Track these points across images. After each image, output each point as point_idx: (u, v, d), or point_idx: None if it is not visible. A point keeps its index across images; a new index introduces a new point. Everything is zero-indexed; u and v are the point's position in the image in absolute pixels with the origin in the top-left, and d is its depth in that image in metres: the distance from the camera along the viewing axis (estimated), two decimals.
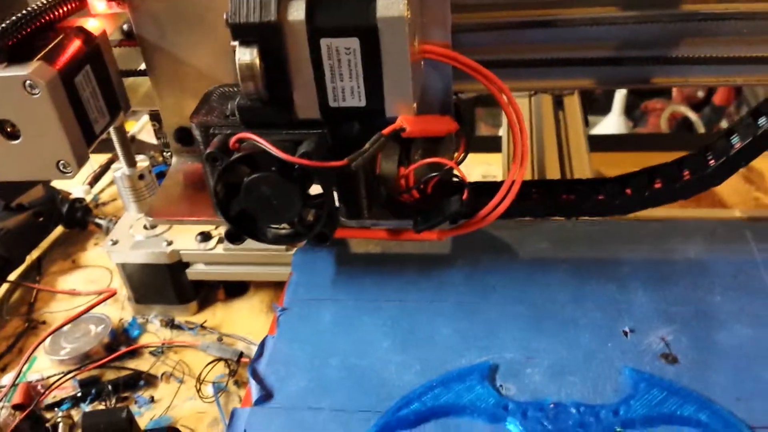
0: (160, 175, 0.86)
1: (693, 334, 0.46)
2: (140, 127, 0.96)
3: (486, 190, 0.51)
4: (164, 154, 0.85)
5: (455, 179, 0.50)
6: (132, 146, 0.69)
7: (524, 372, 0.45)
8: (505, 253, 0.54)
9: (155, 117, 0.77)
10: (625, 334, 0.47)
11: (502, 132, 1.03)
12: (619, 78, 0.54)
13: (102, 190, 1.04)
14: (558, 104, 0.88)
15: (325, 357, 0.48)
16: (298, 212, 0.48)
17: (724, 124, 1.62)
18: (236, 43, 0.44)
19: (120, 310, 0.80)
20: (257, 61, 0.44)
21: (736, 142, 0.46)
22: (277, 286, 0.78)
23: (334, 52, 0.44)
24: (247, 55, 0.44)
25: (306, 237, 0.50)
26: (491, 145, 0.95)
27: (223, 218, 0.50)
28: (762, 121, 0.45)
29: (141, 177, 0.71)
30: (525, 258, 0.54)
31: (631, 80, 0.54)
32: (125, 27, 0.58)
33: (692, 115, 1.62)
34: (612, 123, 1.63)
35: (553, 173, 0.75)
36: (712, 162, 0.47)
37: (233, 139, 0.46)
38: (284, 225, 0.50)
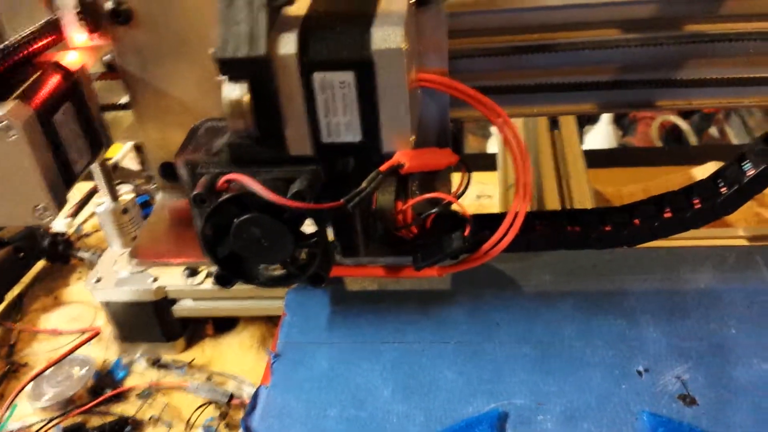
0: (145, 205, 0.84)
1: (709, 371, 0.44)
2: (123, 154, 0.93)
3: (488, 222, 0.49)
4: (149, 186, 0.82)
5: (456, 213, 0.48)
6: (115, 173, 0.67)
7: (535, 419, 0.43)
8: (508, 287, 0.52)
9: (140, 147, 0.75)
10: (640, 374, 0.45)
11: (494, 146, 1.01)
12: (622, 101, 0.52)
13: (85, 221, 1.01)
14: (553, 122, 0.86)
15: (323, 408, 0.45)
16: (290, 253, 0.46)
17: (713, 130, 1.62)
18: (223, 78, 0.42)
19: (104, 350, 0.77)
20: (246, 98, 0.42)
21: (749, 168, 0.44)
22: (269, 319, 0.75)
23: (327, 86, 0.42)
24: (235, 92, 0.42)
25: (300, 279, 0.48)
26: (485, 163, 0.93)
27: (212, 261, 0.47)
28: None
29: (125, 211, 0.69)
30: (528, 292, 0.51)
31: (634, 104, 0.52)
32: (107, 58, 0.55)
33: (682, 123, 1.61)
34: (601, 132, 1.62)
35: (550, 195, 0.73)
36: (723, 190, 0.45)
37: (221, 180, 0.44)
38: (276, 266, 0.48)
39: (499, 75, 0.53)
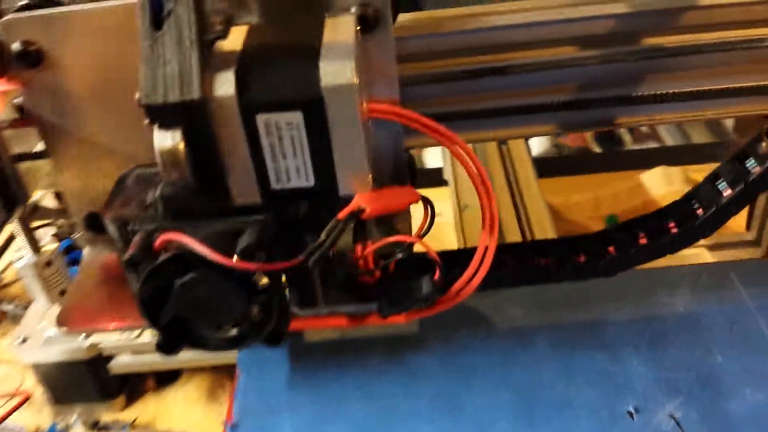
0: (69, 250, 0.77)
1: (702, 406, 0.42)
2: (43, 194, 0.86)
3: (454, 260, 0.45)
4: (73, 237, 0.75)
5: (422, 254, 0.44)
6: (35, 215, 0.61)
7: None
8: (480, 327, 0.48)
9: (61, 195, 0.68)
10: (630, 414, 0.42)
11: (435, 159, 0.98)
12: (582, 122, 0.49)
13: (5, 269, 0.92)
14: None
15: None
16: (242, 312, 0.41)
17: (644, 128, 1.63)
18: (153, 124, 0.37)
19: (36, 414, 0.70)
20: (181, 146, 0.37)
21: (724, 188, 0.42)
22: (215, 368, 0.70)
23: (273, 129, 0.37)
24: (168, 140, 0.37)
25: (255, 339, 0.43)
26: (430, 179, 0.89)
27: (153, 327, 0.42)
28: (750, 163, 0.41)
29: (48, 264, 0.63)
30: (502, 329, 0.48)
31: (594, 123, 0.49)
32: (17, 101, 0.49)
33: None
34: None
35: (505, 213, 0.70)
36: (699, 212, 0.43)
37: (158, 241, 0.39)
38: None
39: (452, 100, 0.49)
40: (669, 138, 1.36)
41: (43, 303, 0.64)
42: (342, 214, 0.39)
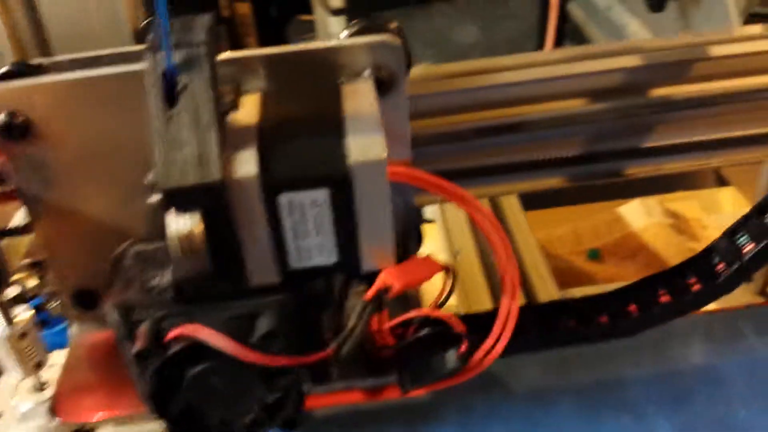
0: (39, 310, 0.72)
1: None
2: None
3: (474, 325, 0.43)
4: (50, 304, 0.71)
5: (443, 324, 0.42)
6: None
7: None
8: (497, 391, 0.47)
9: (37, 264, 0.64)
10: None
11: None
12: (590, 174, 0.49)
13: None
14: None
15: None
16: (260, 400, 0.39)
17: None
18: (162, 207, 0.35)
19: None
20: (199, 230, 0.34)
21: (745, 243, 0.42)
22: None
23: (296, 208, 0.35)
24: (184, 224, 0.34)
25: (271, 425, 0.41)
26: None
27: (162, 420, 0.39)
28: None
29: (23, 336, 0.58)
30: (520, 394, 0.47)
31: (603, 175, 0.49)
32: None
33: None
34: None
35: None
36: (720, 267, 0.42)
37: (170, 335, 0.36)
38: None
39: (462, 158, 0.48)
40: None
41: (15, 376, 0.60)
42: (369, 295, 0.37)
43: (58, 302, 0.60)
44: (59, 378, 0.48)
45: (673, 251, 0.79)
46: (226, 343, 0.34)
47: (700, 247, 0.82)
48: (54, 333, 0.72)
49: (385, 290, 0.37)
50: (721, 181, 0.98)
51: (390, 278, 0.37)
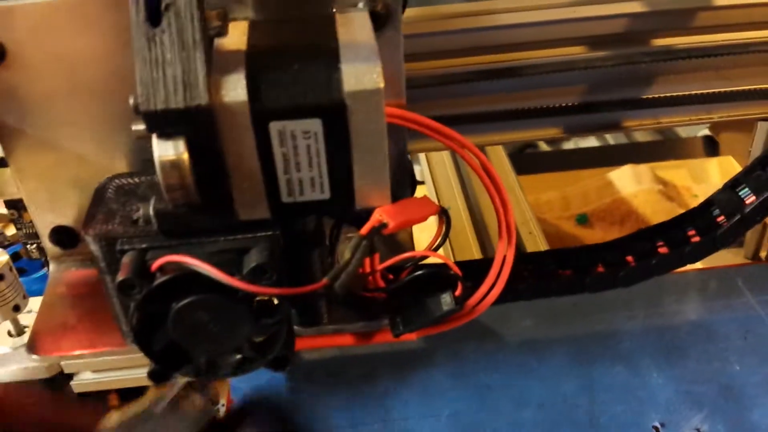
0: (15, 258, 0.71)
1: (728, 419, 0.41)
2: None
3: (469, 272, 0.42)
4: (28, 247, 0.69)
5: (437, 268, 0.41)
6: None
7: None
8: (489, 339, 0.46)
9: (12, 204, 0.62)
10: (656, 430, 0.40)
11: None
12: (588, 125, 0.48)
13: None
14: None
15: None
16: (248, 336, 0.38)
17: None
18: (143, 131, 0.33)
19: None
20: (185, 158, 0.32)
21: (747, 195, 0.41)
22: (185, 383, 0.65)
23: (288, 138, 0.33)
24: (170, 151, 0.32)
25: (259, 365, 0.39)
26: None
27: (145, 355, 0.38)
28: None
29: (1, 278, 0.57)
30: (513, 342, 0.46)
31: (601, 126, 0.48)
32: None
33: None
34: None
35: (489, 214, 0.68)
36: (721, 219, 0.41)
37: (156, 263, 0.34)
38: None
39: (457, 103, 0.47)
40: (611, 136, 1.37)
41: None
42: (365, 230, 0.35)
43: (35, 245, 0.59)
44: (37, 315, 0.46)
45: (662, 217, 0.78)
46: (215, 272, 0.33)
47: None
48: (33, 280, 0.70)
49: (380, 227, 0.35)
50: (711, 152, 0.97)
51: (385, 216, 0.36)
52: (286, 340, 0.39)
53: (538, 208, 0.87)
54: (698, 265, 0.56)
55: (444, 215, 0.41)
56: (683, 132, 1.11)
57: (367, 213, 0.37)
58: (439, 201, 0.74)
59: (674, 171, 0.90)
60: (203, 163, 0.33)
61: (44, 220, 0.46)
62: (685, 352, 0.45)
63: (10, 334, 0.62)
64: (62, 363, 0.61)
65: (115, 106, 0.41)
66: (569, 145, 1.17)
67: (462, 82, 0.45)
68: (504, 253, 0.41)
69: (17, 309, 0.58)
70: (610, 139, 1.16)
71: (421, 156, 0.82)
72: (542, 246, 0.65)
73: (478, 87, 0.45)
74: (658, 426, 0.41)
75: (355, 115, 0.33)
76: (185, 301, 0.35)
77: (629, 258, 0.43)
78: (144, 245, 0.36)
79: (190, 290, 0.35)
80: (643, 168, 0.87)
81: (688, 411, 0.41)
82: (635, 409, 0.42)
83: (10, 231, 0.77)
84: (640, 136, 1.18)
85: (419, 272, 0.39)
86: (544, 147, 1.15)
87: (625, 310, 0.48)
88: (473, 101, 0.46)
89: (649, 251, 0.42)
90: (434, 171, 0.77)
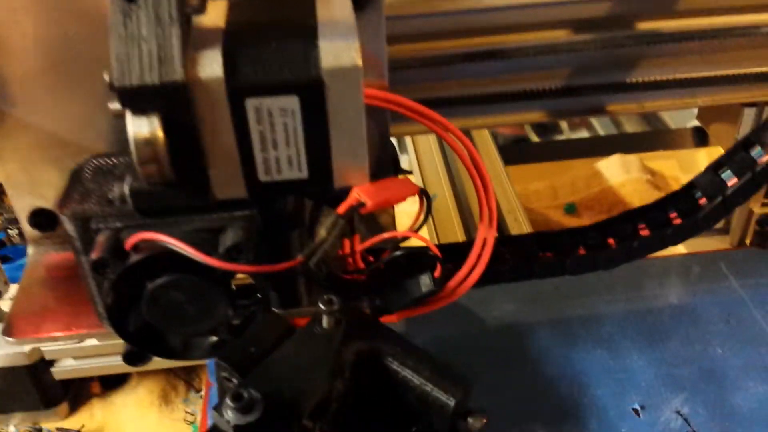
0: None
1: (708, 401, 0.41)
2: None
3: (449, 254, 0.42)
4: (8, 231, 0.68)
5: (416, 250, 0.41)
6: None
7: None
8: (471, 324, 0.46)
9: None
10: (636, 412, 0.40)
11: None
12: (573, 108, 0.47)
13: None
14: None
15: None
16: (224, 318, 0.37)
17: None
18: (118, 108, 0.32)
19: None
20: (159, 135, 0.32)
21: (729, 178, 0.41)
22: (167, 371, 0.65)
23: (264, 115, 0.33)
24: (144, 128, 0.32)
25: None
26: None
27: (119, 336, 0.38)
28: (756, 152, 0.39)
29: None
30: (494, 326, 0.46)
31: (586, 110, 0.47)
32: None
33: None
34: None
35: (474, 202, 0.68)
36: (702, 201, 0.41)
37: (131, 241, 0.34)
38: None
39: (440, 86, 0.46)
40: (600, 128, 1.38)
41: None
42: (342, 209, 0.35)
43: (16, 230, 0.58)
44: (14, 298, 0.46)
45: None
46: (190, 250, 0.32)
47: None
48: (16, 267, 0.69)
49: (359, 205, 0.35)
50: (701, 143, 0.97)
51: (363, 195, 0.36)
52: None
53: (527, 198, 0.86)
54: (682, 249, 0.56)
55: (424, 195, 0.40)
56: (672, 123, 1.11)
57: (346, 193, 0.37)
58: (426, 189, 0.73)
59: (663, 161, 0.90)
60: (178, 140, 0.33)
61: (23, 202, 0.46)
62: (666, 336, 0.45)
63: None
64: (43, 349, 0.60)
65: (94, 86, 0.41)
66: (560, 136, 1.18)
67: (445, 65, 0.45)
68: (485, 236, 0.41)
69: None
70: (600, 129, 1.16)
71: (409, 145, 0.82)
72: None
73: (462, 69, 0.45)
74: (638, 408, 0.41)
75: (332, 92, 0.33)
76: (160, 281, 0.35)
77: (610, 240, 0.42)
78: (118, 224, 0.36)
79: (165, 270, 0.35)
80: (632, 158, 0.87)
81: (669, 393, 0.41)
82: (615, 391, 0.42)
83: None
84: (630, 127, 1.18)
85: (398, 253, 0.39)
86: (534, 138, 1.16)
87: (606, 293, 0.48)
88: (457, 84, 0.46)
89: (631, 233, 0.42)
90: (421, 159, 0.77)
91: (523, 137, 1.16)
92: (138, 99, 0.31)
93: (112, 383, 0.66)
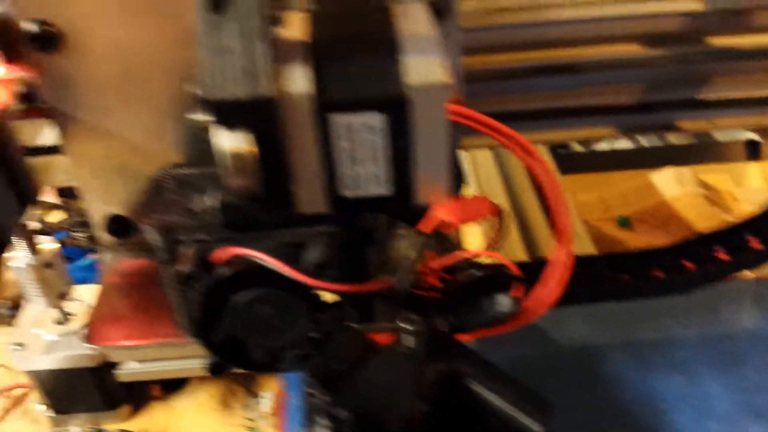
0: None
1: None
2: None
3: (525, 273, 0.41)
4: (74, 234, 0.69)
5: (493, 268, 0.40)
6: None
7: None
8: (544, 345, 0.45)
9: (65, 192, 0.62)
10: None
11: None
12: (643, 124, 0.47)
13: None
14: None
15: None
16: (308, 332, 0.37)
17: None
18: (210, 122, 0.33)
19: (33, 424, 0.64)
20: (251, 149, 0.32)
21: None
22: (228, 375, 0.66)
23: (349, 131, 0.33)
24: (236, 142, 0.32)
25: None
26: None
27: (205, 348, 0.38)
28: None
29: (48, 265, 0.57)
30: (568, 348, 0.45)
31: (655, 126, 0.46)
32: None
33: None
34: None
35: (534, 214, 0.67)
36: None
37: (221, 255, 0.34)
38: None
39: (509, 99, 0.46)
40: (643, 138, 1.34)
41: (39, 306, 0.59)
42: (428, 227, 0.35)
43: (84, 233, 0.59)
44: (93, 306, 0.46)
45: (706, 222, 0.76)
46: (284, 267, 0.32)
47: (733, 219, 0.79)
48: (78, 268, 0.70)
49: (443, 225, 0.35)
50: (752, 156, 0.95)
51: (446, 214, 0.35)
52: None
53: (577, 210, 0.85)
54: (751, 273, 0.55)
55: (501, 216, 0.40)
56: (720, 135, 1.08)
57: (421, 210, 0.36)
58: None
59: (714, 175, 0.88)
60: (267, 154, 0.33)
61: (98, 210, 0.47)
62: (742, 361, 0.44)
63: (57, 321, 0.63)
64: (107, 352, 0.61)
65: (165, 95, 0.41)
66: (602, 146, 1.15)
67: (517, 78, 0.44)
68: (563, 255, 0.40)
69: (63, 297, 0.59)
70: (643, 140, 1.14)
71: (464, 154, 0.81)
72: (589, 248, 0.64)
73: (532, 83, 0.45)
74: None
75: (418, 109, 0.33)
76: (251, 294, 0.35)
77: (688, 263, 0.41)
78: (204, 237, 0.36)
79: (250, 283, 0.35)
80: (685, 171, 0.85)
81: (747, 421, 0.40)
82: (693, 417, 0.41)
83: (52, 218, 0.77)
84: (674, 138, 1.16)
85: (480, 273, 0.38)
86: (576, 147, 1.13)
87: (681, 317, 0.47)
88: (527, 98, 0.45)
89: (708, 256, 0.41)
90: (478, 170, 0.77)
91: (563, 144, 1.14)
92: (230, 113, 0.32)
93: (173, 387, 0.67)
